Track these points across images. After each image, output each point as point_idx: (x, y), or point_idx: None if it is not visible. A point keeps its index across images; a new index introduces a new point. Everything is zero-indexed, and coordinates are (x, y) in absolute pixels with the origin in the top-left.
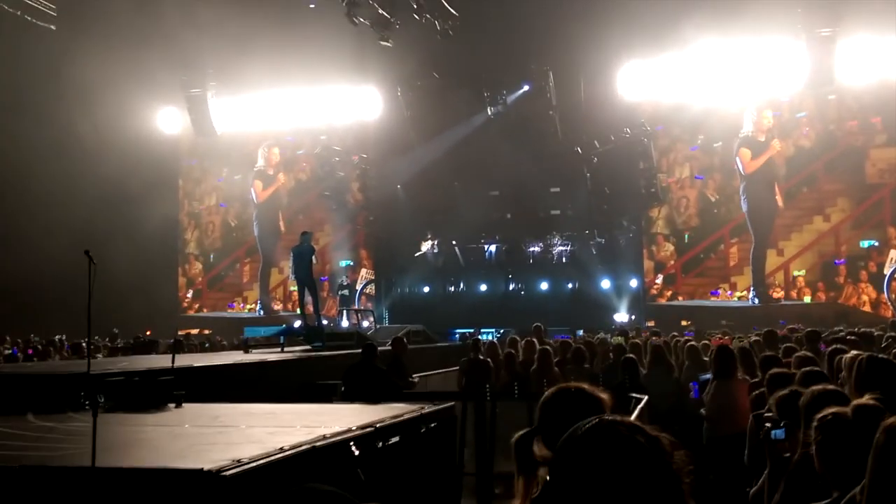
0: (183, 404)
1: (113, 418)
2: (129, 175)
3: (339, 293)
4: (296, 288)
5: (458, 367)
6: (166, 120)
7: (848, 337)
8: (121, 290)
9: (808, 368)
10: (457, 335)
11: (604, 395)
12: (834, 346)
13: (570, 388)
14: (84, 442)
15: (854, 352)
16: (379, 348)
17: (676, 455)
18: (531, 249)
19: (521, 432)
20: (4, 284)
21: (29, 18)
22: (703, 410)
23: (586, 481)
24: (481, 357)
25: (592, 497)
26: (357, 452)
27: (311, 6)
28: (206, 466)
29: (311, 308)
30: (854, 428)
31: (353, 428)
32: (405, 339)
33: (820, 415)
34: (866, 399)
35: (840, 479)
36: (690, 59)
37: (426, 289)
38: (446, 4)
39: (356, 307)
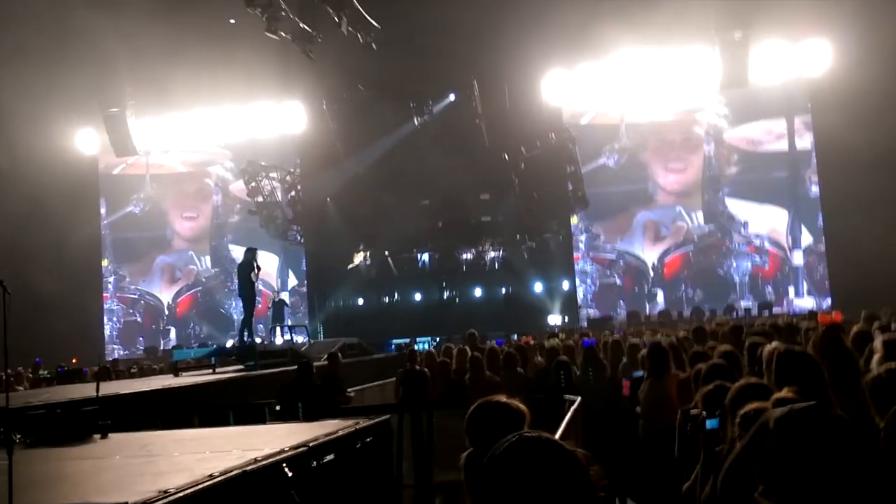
0: (109, 435)
1: (34, 454)
2: (47, 197)
3: (272, 309)
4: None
5: (395, 379)
6: (84, 140)
7: (767, 330)
8: (45, 317)
9: (712, 362)
10: (393, 346)
11: (523, 408)
12: (752, 340)
13: (491, 402)
14: (2, 481)
15: (774, 343)
16: (315, 363)
17: (592, 469)
18: (464, 257)
19: (466, 452)
20: None
21: None
22: (638, 408)
23: (507, 497)
24: (417, 367)
25: None
26: (290, 474)
27: (232, 21)
28: (131, 500)
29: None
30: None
31: (286, 449)
32: (340, 354)
33: (742, 410)
34: (785, 393)
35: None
36: (609, 68)
37: (360, 301)
38: (368, 17)
39: (288, 323)
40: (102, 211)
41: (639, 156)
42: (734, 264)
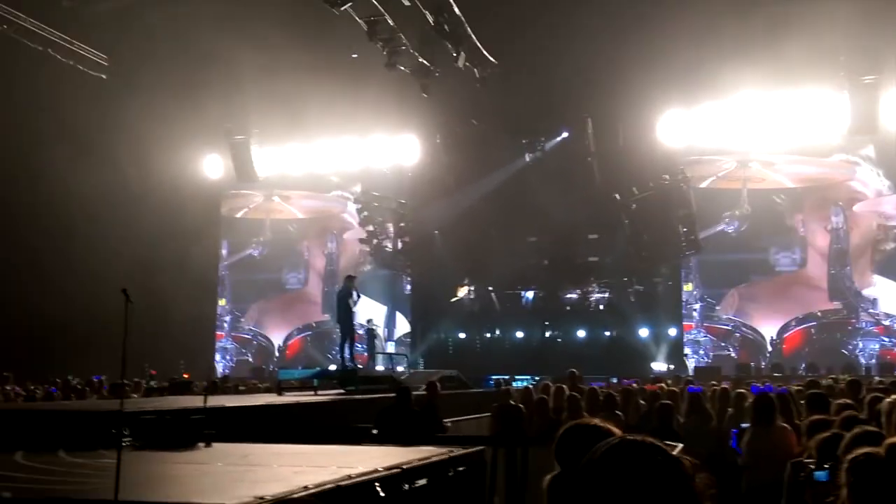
0: (213, 444)
1: (142, 455)
2: (173, 219)
3: (368, 337)
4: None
5: (490, 413)
6: (210, 165)
7: (887, 386)
8: (163, 331)
9: (847, 413)
10: (492, 381)
11: (618, 431)
12: (873, 395)
13: (583, 424)
14: (110, 477)
15: (894, 396)
16: (413, 393)
17: (698, 477)
18: (568, 296)
19: (552, 474)
20: (52, 324)
21: (81, 68)
22: (740, 459)
23: (606, 500)
24: (513, 403)
25: None
26: (382, 493)
27: (354, 56)
28: (228, 503)
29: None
30: (886, 467)
31: (380, 469)
32: (438, 384)
33: (852, 455)
34: None
35: None
36: (730, 108)
37: (462, 335)
38: (486, 53)
39: (388, 351)
40: (223, 252)
41: (761, 224)
42: (860, 345)
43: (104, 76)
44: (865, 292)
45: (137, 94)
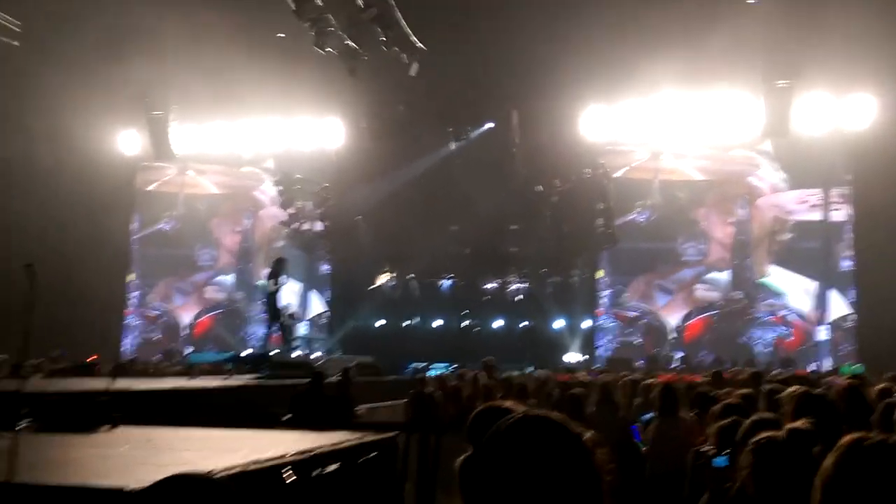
0: (119, 426)
1: (43, 438)
2: (86, 194)
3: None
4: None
5: (405, 400)
6: (126, 142)
7: (787, 378)
8: (73, 310)
9: (727, 401)
10: (409, 369)
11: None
12: (771, 386)
13: (495, 406)
14: (5, 459)
15: (794, 386)
16: (328, 379)
17: (598, 452)
18: (488, 286)
19: (464, 455)
20: None
21: None
22: (644, 448)
23: (508, 474)
24: (428, 390)
25: (513, 489)
26: (291, 478)
27: (281, 35)
28: (129, 486)
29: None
30: (787, 450)
31: (289, 453)
32: (353, 371)
33: (754, 439)
34: (799, 423)
35: (774, 502)
36: (650, 105)
37: (381, 321)
38: (414, 38)
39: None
40: (134, 226)
41: (670, 214)
42: (757, 334)
43: (16, 43)
44: (763, 282)
45: (52, 64)
